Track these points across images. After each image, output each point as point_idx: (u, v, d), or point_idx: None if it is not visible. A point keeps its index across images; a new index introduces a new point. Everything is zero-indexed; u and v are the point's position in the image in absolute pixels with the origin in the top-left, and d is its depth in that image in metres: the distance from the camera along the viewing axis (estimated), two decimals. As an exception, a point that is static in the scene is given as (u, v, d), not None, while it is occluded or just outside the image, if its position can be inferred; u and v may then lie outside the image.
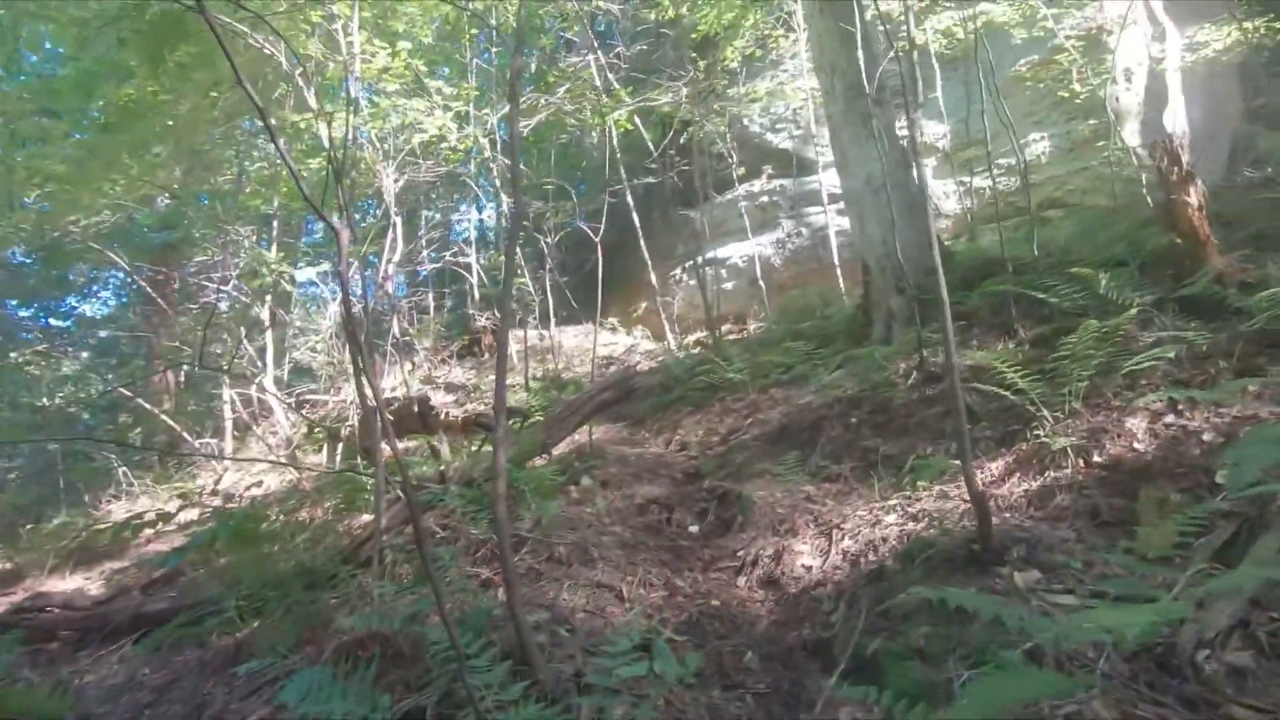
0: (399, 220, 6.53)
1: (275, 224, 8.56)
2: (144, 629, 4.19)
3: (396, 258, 6.98)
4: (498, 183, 9.28)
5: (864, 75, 5.75)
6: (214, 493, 6.59)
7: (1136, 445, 2.59)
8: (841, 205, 10.77)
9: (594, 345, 6.49)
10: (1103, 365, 2.96)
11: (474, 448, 5.97)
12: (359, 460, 6.09)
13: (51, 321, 14.11)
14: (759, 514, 3.56)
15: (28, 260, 11.39)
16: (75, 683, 3.62)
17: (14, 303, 12.88)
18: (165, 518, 3.41)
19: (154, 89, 6.13)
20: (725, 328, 10.89)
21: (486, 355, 12.05)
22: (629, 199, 10.46)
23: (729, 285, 12.08)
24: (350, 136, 3.86)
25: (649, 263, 10.76)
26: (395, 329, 7.64)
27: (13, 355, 10.85)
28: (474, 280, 12.38)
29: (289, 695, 2.25)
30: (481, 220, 15.45)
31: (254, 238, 10.11)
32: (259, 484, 5.90)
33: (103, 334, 14.77)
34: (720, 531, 3.64)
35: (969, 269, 5.10)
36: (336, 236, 1.95)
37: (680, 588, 3.06)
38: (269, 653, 3.06)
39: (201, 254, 10.62)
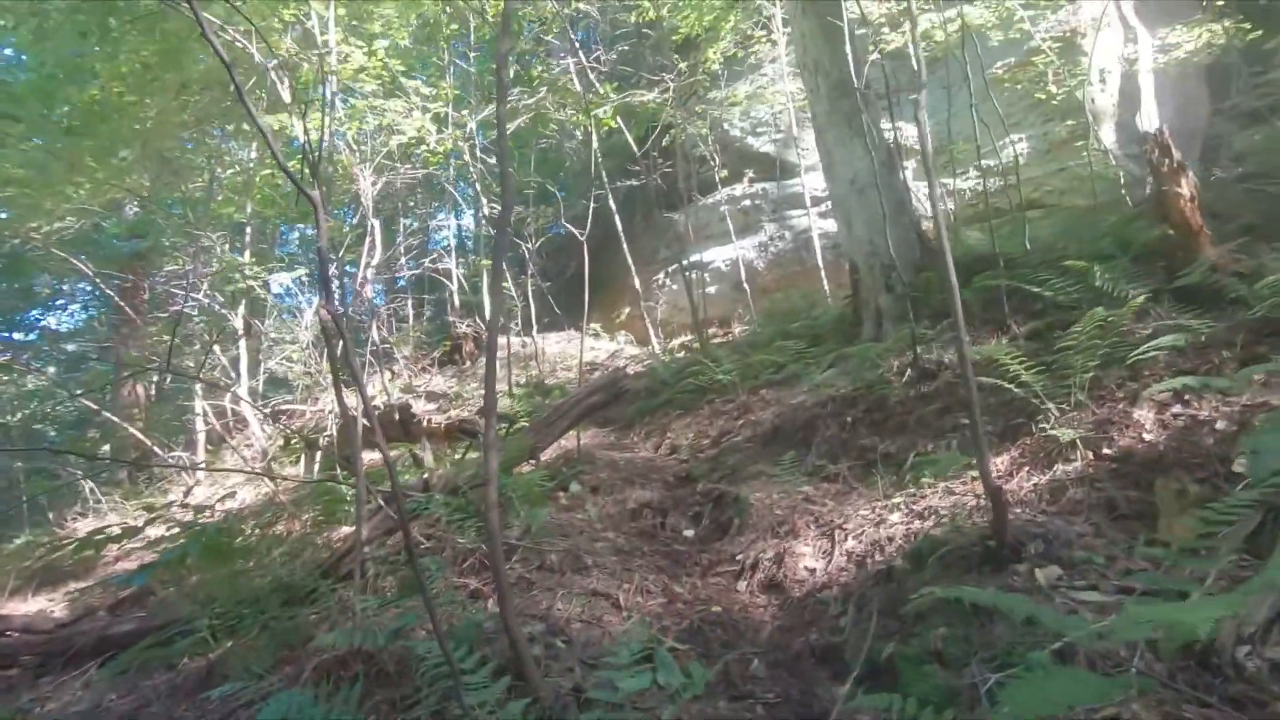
0: (377, 224, 6.35)
1: (249, 231, 8.32)
2: (110, 652, 3.97)
3: (375, 261, 6.80)
4: (477, 187, 9.13)
5: (850, 73, 5.73)
6: (184, 505, 6.33)
7: (1146, 436, 2.53)
8: (824, 208, 10.79)
9: (580, 349, 6.35)
10: (1105, 357, 2.91)
11: (458, 455, 5.81)
12: (338, 470, 5.90)
13: (15, 335, 13.65)
14: (756, 516, 3.45)
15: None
16: (36, 710, 3.40)
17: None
18: (129, 533, 3.22)
19: (119, 90, 5.92)
20: (710, 331, 10.82)
21: (468, 363, 11.86)
22: (611, 203, 10.37)
23: (712, 289, 12.02)
24: (325, 132, 3.71)
25: (632, 267, 10.66)
26: (375, 336, 7.44)
27: (-27, 370, 10.46)
28: (454, 287, 12.20)
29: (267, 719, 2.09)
30: (460, 227, 15.28)
31: (226, 246, 9.86)
32: (231, 495, 5.67)
33: (70, 347, 14.33)
34: (717, 535, 3.53)
35: (958, 265, 5.03)
36: (315, 210, 1.81)
37: (679, 594, 2.94)
38: (244, 674, 2.89)
39: (172, 263, 10.34)
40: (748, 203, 12.05)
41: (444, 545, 3.65)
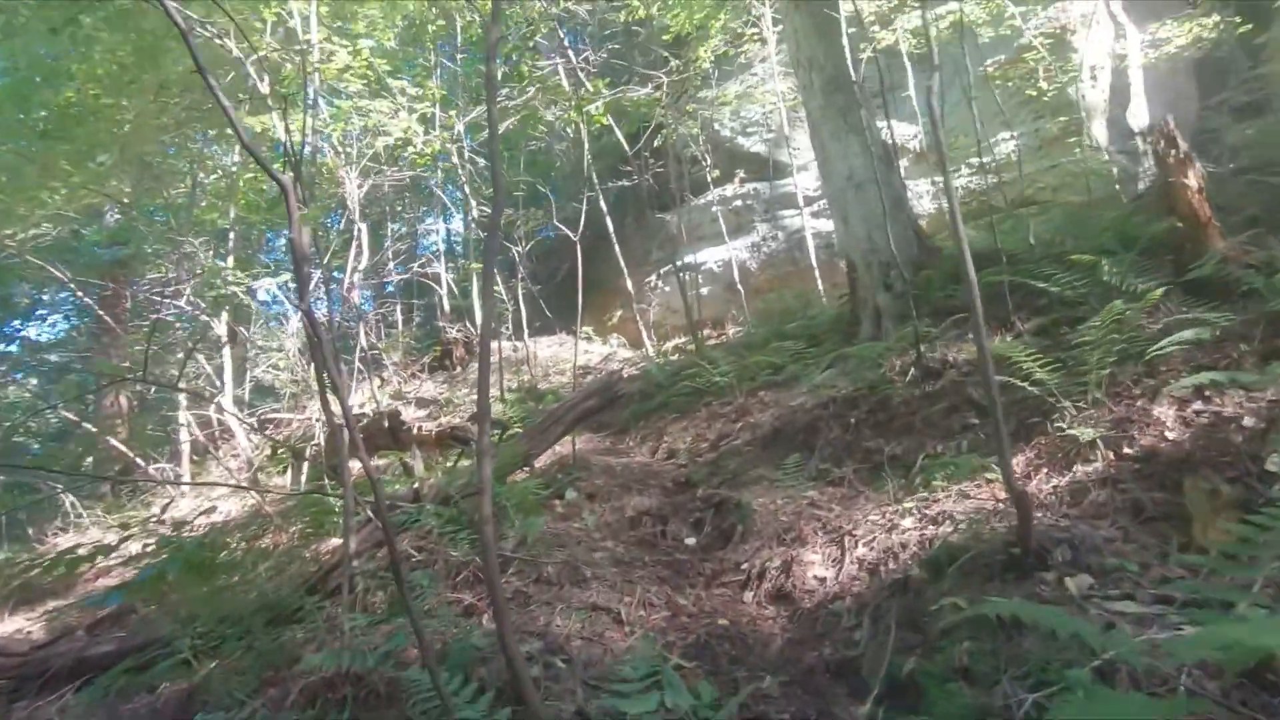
0: (364, 228, 6.20)
1: (232, 237, 8.13)
2: (88, 674, 3.80)
3: (363, 266, 6.64)
4: (466, 189, 8.98)
5: (847, 68, 5.64)
6: (160, 521, 6.13)
7: (1169, 434, 2.43)
8: (817, 208, 10.73)
9: (575, 352, 6.22)
10: (1121, 352, 2.81)
11: (449, 463, 5.66)
12: (326, 481, 5.74)
13: (-6, 347, 13.37)
14: (760, 523, 3.33)
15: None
16: (7, 739, 3.23)
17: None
18: (103, 551, 3.06)
19: (95, 92, 5.75)
20: (703, 333, 10.71)
21: (458, 368, 11.70)
22: (602, 204, 10.25)
23: (705, 290, 11.91)
24: (306, 131, 3.57)
25: (624, 269, 10.54)
26: (362, 342, 7.27)
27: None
28: (443, 292, 12.04)
29: (247, 751, 1.95)
30: (450, 231, 15.12)
31: (210, 252, 9.66)
32: (211, 510, 5.50)
33: (53, 358, 14.07)
34: (719, 543, 3.40)
35: (958, 263, 4.95)
36: (285, 196, 1.68)
37: (683, 606, 2.81)
38: (227, 698, 2.74)
39: (155, 270, 10.13)
40: (740, 203, 11.97)
41: (436, 558, 3.50)
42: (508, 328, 11.38)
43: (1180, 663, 1.39)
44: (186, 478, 8.66)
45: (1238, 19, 8.17)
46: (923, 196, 10.43)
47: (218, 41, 3.78)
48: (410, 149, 6.94)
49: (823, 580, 2.71)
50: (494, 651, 2.28)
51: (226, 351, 7.67)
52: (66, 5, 4.29)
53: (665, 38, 9.45)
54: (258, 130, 5.99)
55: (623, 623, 2.66)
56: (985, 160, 6.67)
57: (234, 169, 7.96)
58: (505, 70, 8.61)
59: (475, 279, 10.97)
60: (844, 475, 3.49)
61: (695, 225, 11.91)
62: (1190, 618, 1.65)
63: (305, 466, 7.31)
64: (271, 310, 10.47)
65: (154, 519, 6.12)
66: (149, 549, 5.33)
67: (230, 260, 7.77)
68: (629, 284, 10.75)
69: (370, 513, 3.89)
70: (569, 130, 8.39)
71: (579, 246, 6.22)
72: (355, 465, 7.50)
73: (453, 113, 8.04)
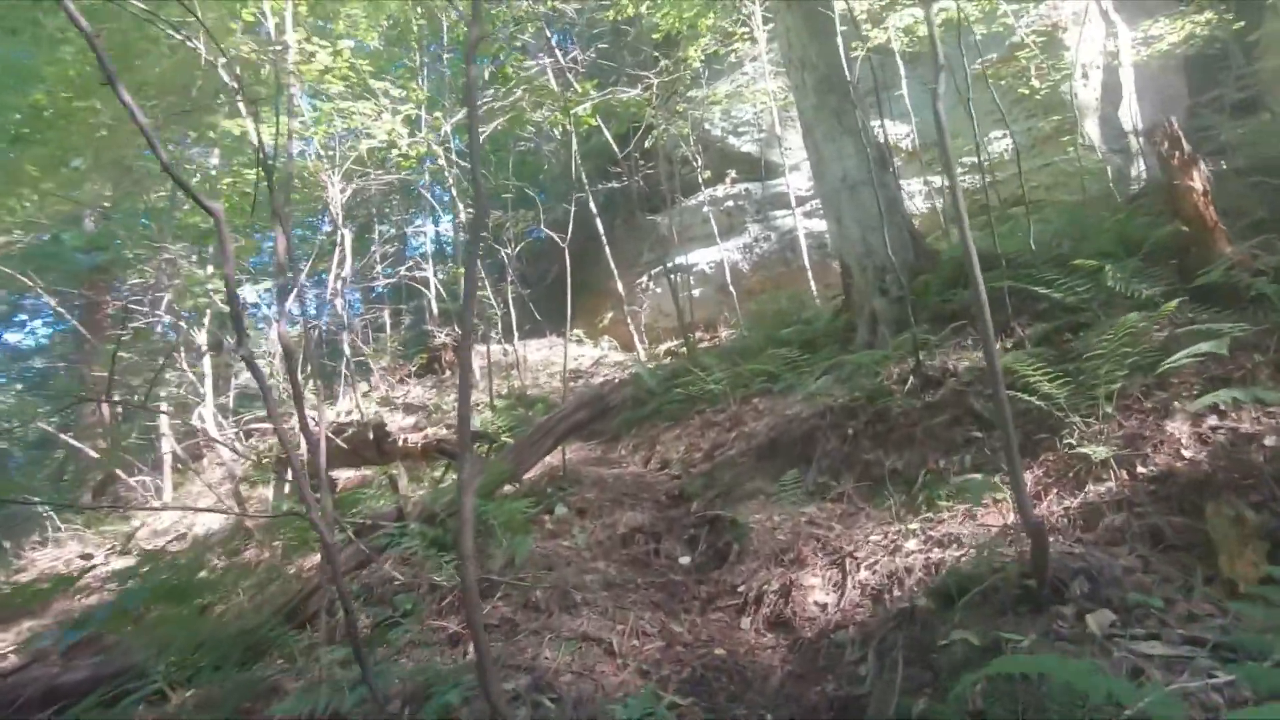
0: (347, 233, 6.03)
1: (214, 243, 7.92)
2: (60, 703, 3.65)
3: (346, 272, 6.47)
4: (454, 191, 8.82)
5: (840, 68, 5.52)
6: (129, 542, 5.94)
7: (1185, 453, 2.32)
8: (809, 208, 10.62)
9: (564, 359, 6.08)
10: (1131, 364, 2.70)
11: (436, 476, 5.51)
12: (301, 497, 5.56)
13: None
14: (757, 541, 3.21)
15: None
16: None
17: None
18: (66, 582, 2.91)
19: (68, 95, 5.56)
20: (696, 335, 10.59)
21: (447, 373, 11.53)
22: (592, 206, 10.10)
23: (697, 292, 11.79)
24: (280, 135, 3.42)
25: (614, 271, 10.41)
26: (346, 348, 7.10)
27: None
28: (432, 295, 11.87)
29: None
30: (439, 233, 14.93)
31: (194, 257, 9.44)
32: (183, 536, 5.34)
33: (38, 364, 13.84)
34: (715, 563, 3.28)
35: (957, 266, 4.86)
36: (217, 225, 1.54)
37: (678, 635, 2.69)
38: (200, 736, 2.60)
39: (136, 276, 9.90)
40: (731, 204, 11.85)
41: (420, 581, 3.37)
42: (497, 331, 11.21)
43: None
44: (168, 488, 8.48)
45: (1230, 16, 8.12)
46: (915, 196, 10.35)
47: (191, 45, 3.62)
48: (395, 151, 6.77)
49: (824, 607, 2.58)
50: (478, 695, 2.14)
51: (207, 361, 7.48)
52: (28, 6, 4.11)
53: (655, 36, 9.32)
54: (236, 134, 5.81)
55: (615, 654, 2.53)
56: (980, 159, 6.58)
57: (213, 171, 7.76)
58: (491, 70, 8.46)
59: (463, 282, 10.79)
60: (844, 490, 3.37)
61: (687, 226, 11.79)
62: (1223, 661, 1.53)
63: (290, 475, 7.14)
64: (255, 315, 10.29)
65: (132, 534, 5.93)
66: (126, 570, 5.17)
67: (211, 267, 7.57)
68: (619, 286, 10.62)
69: (351, 535, 3.76)
70: (556, 132, 8.22)
71: (567, 250, 6.06)
72: (343, 474, 7.35)
73: (438, 114, 7.86)
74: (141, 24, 3.70)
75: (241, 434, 9.39)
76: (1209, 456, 2.23)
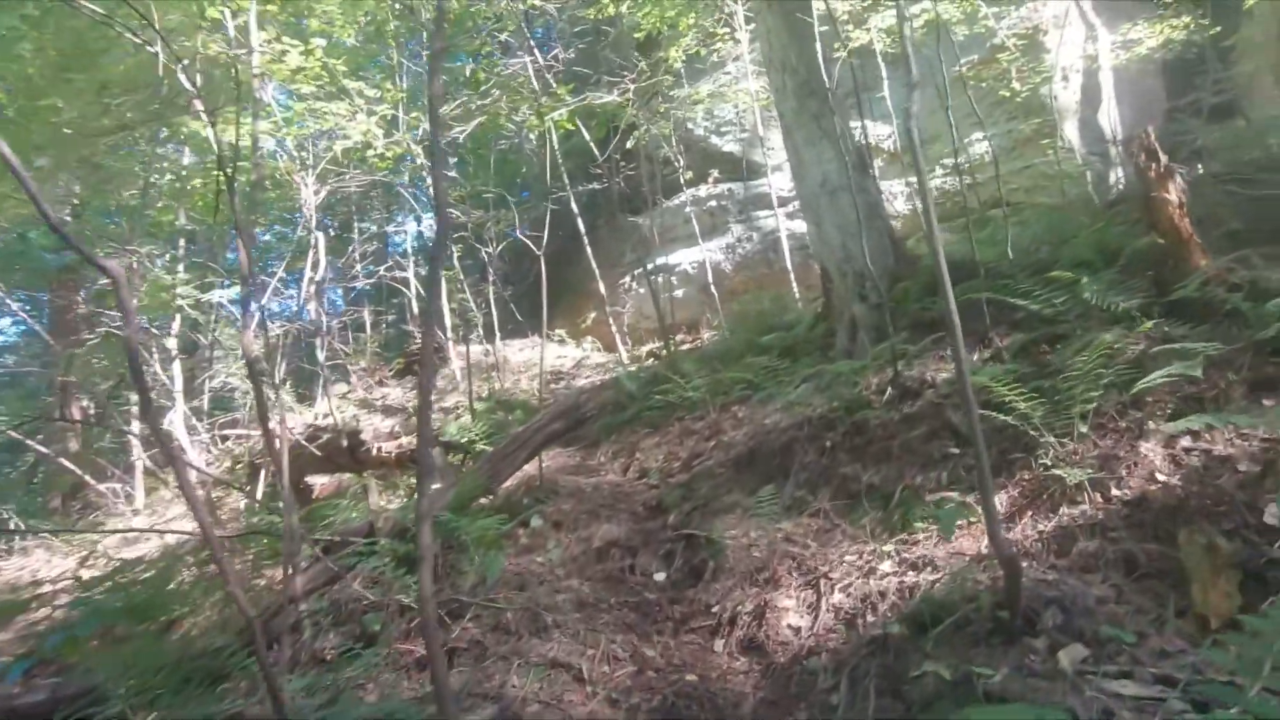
0: (320, 236, 5.91)
1: (182, 242, 7.75)
2: (18, 727, 3.53)
3: (319, 275, 6.35)
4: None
5: (820, 71, 5.48)
6: (85, 562, 5.78)
7: (1159, 476, 2.30)
8: (792, 209, 10.59)
9: (541, 363, 6.01)
10: (1106, 384, 2.68)
11: (412, 484, 5.42)
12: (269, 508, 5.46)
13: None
14: (733, 558, 3.16)
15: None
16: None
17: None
18: (17, 608, 2.81)
19: (27, 94, 5.39)
20: (678, 336, 10.54)
21: (428, 374, 11.39)
22: (573, 206, 10.01)
23: (680, 292, 11.75)
24: (240, 136, 3.32)
25: (596, 271, 10.33)
26: (320, 353, 6.98)
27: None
28: (412, 295, 11.73)
29: None
30: (420, 233, 14.74)
31: (166, 256, 9.25)
32: (135, 564, 5.22)
33: (9, 360, 13.57)
34: (690, 581, 3.23)
35: (935, 273, 4.83)
36: (116, 287, 1.45)
37: (650, 659, 2.63)
38: (158, 766, 2.52)
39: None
40: (713, 204, 11.80)
41: (389, 600, 3.29)
42: (478, 332, 11.11)
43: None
44: (140, 494, 8.31)
45: (1206, 21, 8.18)
46: (897, 197, 10.36)
47: (149, 49, 3.50)
48: (371, 152, 6.64)
49: (797, 630, 2.54)
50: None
51: (177, 365, 7.32)
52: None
53: (636, 35, 9.23)
54: (204, 134, 5.67)
55: (585, 681, 2.48)
56: (959, 161, 6.61)
57: (184, 171, 7.58)
58: (473, 67, 8.32)
59: (444, 281, 10.68)
60: (820, 506, 3.34)
61: (669, 226, 11.73)
62: (1194, 704, 1.50)
63: (263, 478, 7.01)
64: (227, 314, 10.09)
65: (90, 551, 5.78)
66: (91, 581, 5.04)
67: (181, 269, 7.40)
68: (601, 286, 10.55)
69: (319, 552, 3.67)
70: (533, 136, 8.10)
71: (542, 253, 5.98)
72: (319, 481, 7.22)
73: (416, 113, 7.73)
74: (97, 24, 3.58)
75: (217, 438, 9.24)
76: (1183, 480, 2.21)
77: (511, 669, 2.54)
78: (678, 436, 5.33)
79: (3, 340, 14.16)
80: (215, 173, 6.46)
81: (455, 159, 13.17)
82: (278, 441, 3.21)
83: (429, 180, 8.38)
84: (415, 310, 12.40)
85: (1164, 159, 3.56)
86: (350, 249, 9.89)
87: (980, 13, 8.90)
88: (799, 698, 2.24)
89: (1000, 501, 2.60)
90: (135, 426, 8.65)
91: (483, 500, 4.37)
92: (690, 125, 11.71)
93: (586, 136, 8.70)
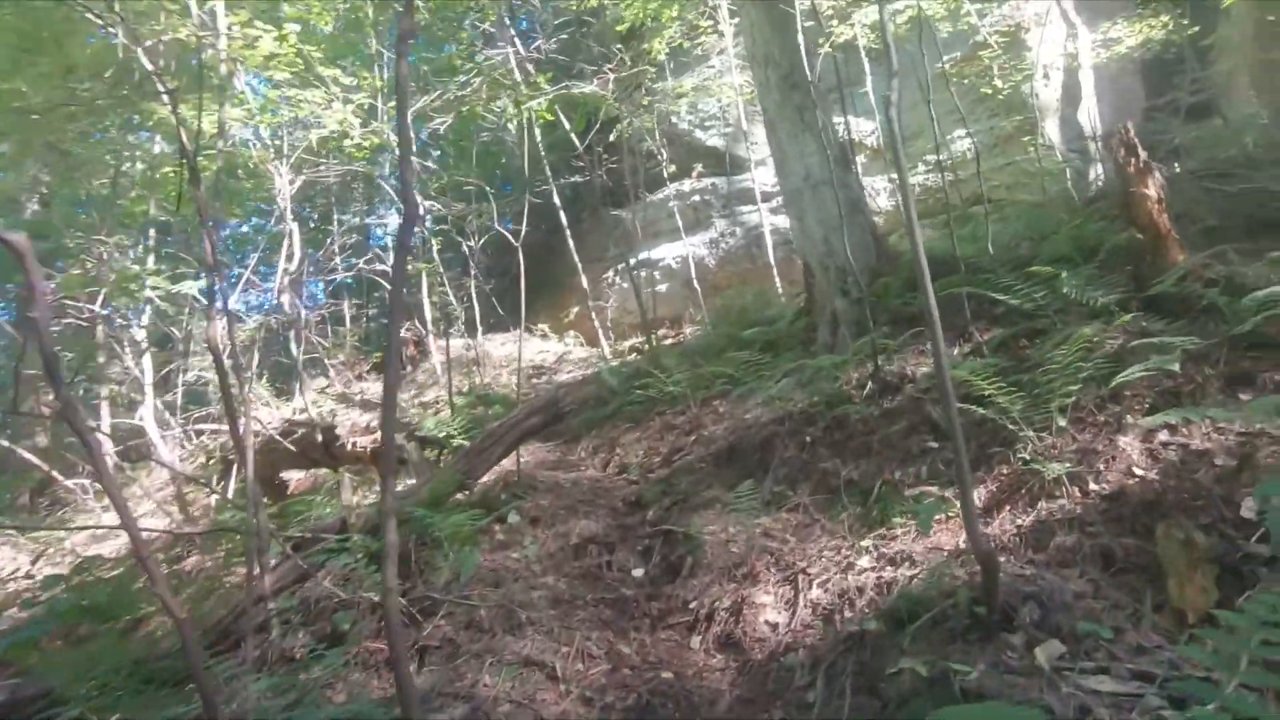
0: (295, 227, 5.78)
1: (152, 232, 7.56)
2: (-26, 729, 3.42)
3: (294, 267, 6.22)
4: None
5: (803, 65, 5.45)
6: (37, 561, 5.64)
7: (1137, 470, 2.29)
8: (775, 204, 10.57)
9: (519, 357, 5.94)
10: (1084, 378, 2.66)
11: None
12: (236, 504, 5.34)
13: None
14: (711, 554, 3.12)
15: None
16: None
17: None
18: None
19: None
20: (661, 331, 10.50)
21: (409, 368, 11.28)
22: (556, 199, 9.92)
23: (663, 287, 11.70)
24: (217, 120, 3.22)
25: (579, 265, 10.26)
26: (294, 345, 6.84)
27: None
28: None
29: None
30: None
31: (138, 245, 9.03)
32: (90, 561, 5.09)
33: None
34: (668, 576, 3.19)
35: (918, 273, 4.83)
36: (21, 260, 1.37)
37: (626, 656, 2.59)
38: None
39: (78, 266, 9.44)
40: (697, 198, 11.76)
41: (360, 598, 3.21)
42: (458, 326, 10.99)
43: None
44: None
45: (1185, 20, 8.25)
46: (880, 194, 10.37)
47: (109, 31, 3.37)
48: (348, 142, 6.51)
49: (775, 627, 2.51)
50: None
51: (147, 359, 7.15)
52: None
53: (619, 29, 9.14)
54: (173, 121, 5.51)
55: (558, 679, 2.43)
56: (941, 158, 6.62)
57: (156, 157, 7.39)
58: (457, 49, 8.15)
59: (424, 275, 10.55)
60: (800, 501, 3.31)
61: (652, 221, 11.67)
62: (1171, 700, 1.48)
63: (234, 478, 6.87)
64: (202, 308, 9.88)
65: (43, 550, 5.63)
66: (51, 580, 4.90)
67: (151, 259, 7.22)
68: (584, 281, 10.48)
69: (289, 550, 3.58)
70: (511, 126, 7.97)
71: (522, 246, 5.90)
72: (294, 476, 7.09)
73: (394, 104, 7.58)
74: (60, 4, 3.45)
75: (192, 432, 9.05)
76: (1160, 475, 2.20)
77: (484, 667, 2.49)
78: (658, 432, 5.29)
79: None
80: (183, 160, 6.30)
81: (437, 151, 13.03)
82: (244, 435, 3.12)
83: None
84: (396, 304, 12.22)
85: (1143, 154, 3.56)
86: (328, 241, 9.71)
87: (963, 9, 8.92)
88: (775, 695, 2.20)
89: (978, 496, 2.58)
90: (105, 423, 8.45)
91: (459, 496, 4.30)
92: (674, 119, 11.65)
93: (567, 126, 8.60)
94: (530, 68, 7.30)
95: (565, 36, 8.62)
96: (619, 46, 8.86)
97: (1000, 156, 10.30)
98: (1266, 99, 7.78)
